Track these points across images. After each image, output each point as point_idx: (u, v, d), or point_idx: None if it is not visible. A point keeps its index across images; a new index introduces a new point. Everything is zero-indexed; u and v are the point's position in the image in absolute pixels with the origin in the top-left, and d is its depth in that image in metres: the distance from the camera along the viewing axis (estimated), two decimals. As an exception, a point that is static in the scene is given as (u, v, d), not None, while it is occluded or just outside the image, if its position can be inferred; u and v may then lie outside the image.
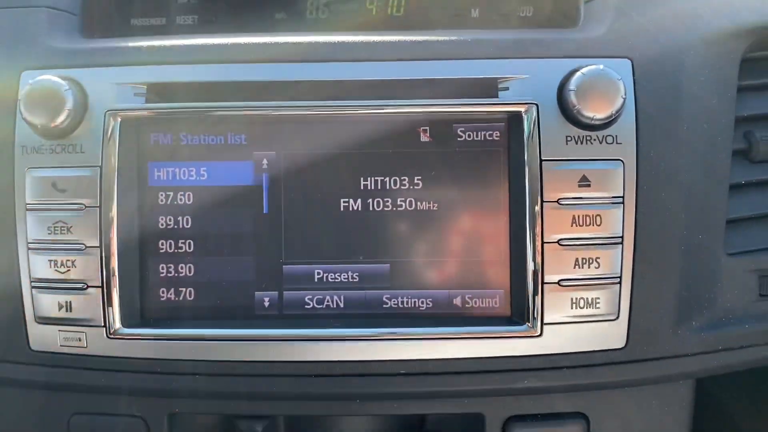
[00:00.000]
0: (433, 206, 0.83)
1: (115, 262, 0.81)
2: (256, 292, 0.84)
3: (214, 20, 0.99)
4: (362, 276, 0.84)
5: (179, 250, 0.84)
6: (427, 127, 0.83)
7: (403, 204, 0.83)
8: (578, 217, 0.79)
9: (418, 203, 0.83)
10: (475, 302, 0.83)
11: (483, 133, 0.83)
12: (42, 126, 0.80)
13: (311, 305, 0.84)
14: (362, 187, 0.83)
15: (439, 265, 0.83)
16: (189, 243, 0.84)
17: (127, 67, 0.84)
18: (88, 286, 0.81)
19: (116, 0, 0.96)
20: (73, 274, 0.81)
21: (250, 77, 0.83)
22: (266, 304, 0.84)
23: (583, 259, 0.79)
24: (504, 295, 0.83)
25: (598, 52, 0.82)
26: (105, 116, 0.81)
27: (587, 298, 0.80)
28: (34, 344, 0.83)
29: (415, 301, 0.84)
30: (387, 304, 0.84)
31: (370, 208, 0.83)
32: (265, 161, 0.84)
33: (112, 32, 0.93)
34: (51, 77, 0.80)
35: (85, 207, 0.81)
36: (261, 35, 0.86)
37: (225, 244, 0.84)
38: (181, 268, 0.84)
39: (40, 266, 0.82)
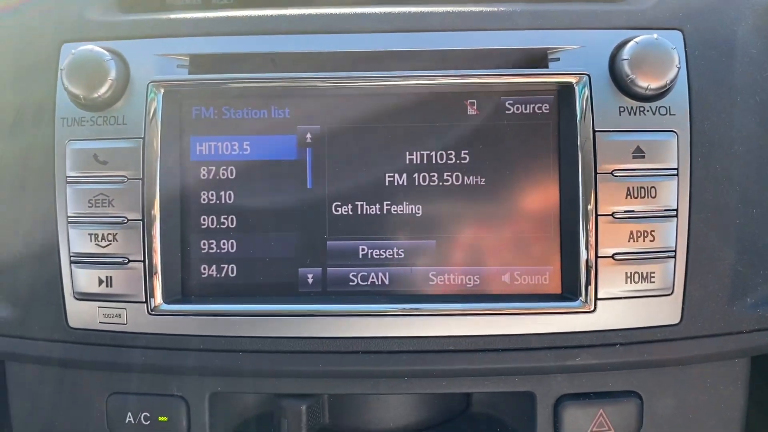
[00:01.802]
0: (481, 181, 0.82)
1: (157, 236, 0.79)
2: (300, 269, 0.82)
3: None
4: (408, 252, 0.82)
5: (221, 226, 0.82)
6: (475, 100, 0.82)
7: (450, 179, 0.82)
8: (633, 189, 0.78)
9: (465, 178, 0.82)
10: (524, 279, 0.81)
11: (532, 105, 0.81)
12: (84, 97, 0.78)
13: (356, 282, 0.82)
14: (408, 162, 0.82)
15: (487, 241, 0.81)
16: (231, 218, 0.82)
17: (168, 39, 0.83)
18: (129, 261, 0.79)
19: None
20: (114, 249, 0.80)
21: (293, 48, 0.81)
22: (310, 280, 0.82)
23: (638, 232, 0.78)
24: (553, 272, 0.81)
25: (649, 23, 0.81)
26: (148, 88, 0.80)
27: (642, 273, 0.78)
28: (73, 321, 0.81)
29: (462, 278, 0.82)
30: (433, 281, 0.82)
31: (416, 183, 0.82)
32: (308, 135, 0.82)
33: (147, 9, 0.91)
34: (93, 47, 0.79)
35: (127, 179, 0.79)
36: (303, 7, 0.84)
37: (268, 219, 0.82)
38: (223, 244, 0.82)
39: (79, 240, 0.80)
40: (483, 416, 0.90)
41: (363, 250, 0.82)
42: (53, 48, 0.83)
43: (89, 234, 0.80)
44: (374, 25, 0.82)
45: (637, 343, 0.79)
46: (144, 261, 0.79)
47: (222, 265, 0.82)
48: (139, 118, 0.80)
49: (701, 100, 0.79)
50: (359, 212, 0.82)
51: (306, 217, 0.82)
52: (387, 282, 0.82)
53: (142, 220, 0.79)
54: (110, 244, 0.80)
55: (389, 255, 0.82)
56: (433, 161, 0.82)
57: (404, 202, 0.82)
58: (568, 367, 0.80)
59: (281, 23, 0.82)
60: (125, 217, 0.79)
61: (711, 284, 0.79)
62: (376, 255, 0.82)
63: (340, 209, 0.82)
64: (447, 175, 0.82)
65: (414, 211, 0.82)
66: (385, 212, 0.82)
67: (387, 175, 0.82)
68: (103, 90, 0.78)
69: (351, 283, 0.82)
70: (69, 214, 0.80)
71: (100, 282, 0.80)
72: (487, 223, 0.81)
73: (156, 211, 0.79)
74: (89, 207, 0.80)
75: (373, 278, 0.82)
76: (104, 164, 0.80)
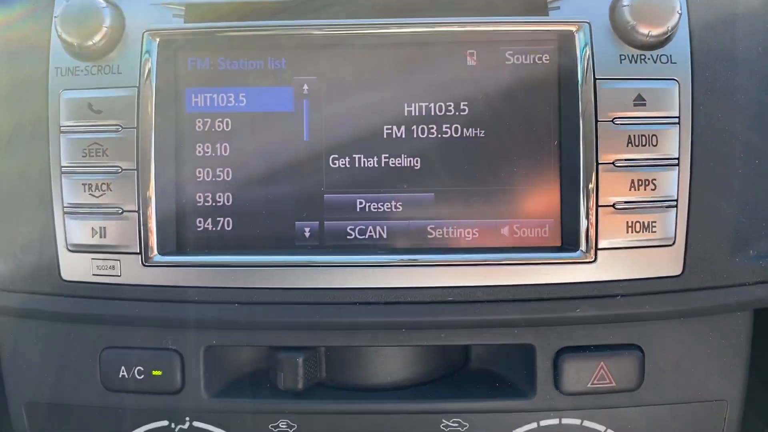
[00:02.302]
0: (480, 133, 0.81)
1: (152, 185, 0.78)
2: (297, 222, 0.81)
3: None
4: (406, 205, 0.81)
5: (217, 179, 0.81)
6: (474, 51, 0.81)
7: (449, 131, 0.81)
8: (633, 137, 0.77)
9: (464, 130, 0.81)
10: (524, 232, 0.80)
11: (532, 56, 0.80)
12: (78, 45, 0.77)
13: (353, 236, 0.81)
14: (406, 114, 0.81)
15: (486, 194, 0.80)
16: (227, 171, 0.81)
17: None
18: (123, 211, 0.78)
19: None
20: (108, 199, 0.79)
21: None
22: (307, 234, 0.81)
23: (638, 181, 0.77)
24: (554, 224, 0.80)
25: None
26: (143, 37, 0.79)
27: (643, 222, 0.77)
28: (66, 274, 0.80)
29: (460, 231, 0.81)
30: (431, 234, 0.81)
31: (415, 135, 0.81)
32: (305, 86, 0.81)
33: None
34: None
35: (122, 128, 0.78)
36: None
37: (264, 172, 0.81)
38: (219, 197, 0.81)
39: (73, 191, 0.79)
40: (481, 371, 0.89)
41: (361, 203, 0.81)
42: None
43: (83, 184, 0.79)
44: None
45: (639, 294, 0.78)
46: (138, 211, 0.78)
47: (218, 218, 0.81)
48: (134, 68, 0.79)
49: (703, 48, 0.78)
50: (357, 165, 0.81)
51: (303, 170, 0.81)
52: (385, 235, 0.81)
53: (137, 169, 0.78)
54: (104, 194, 0.79)
55: (387, 208, 0.81)
56: (432, 113, 0.81)
57: (402, 155, 0.81)
58: (569, 319, 0.79)
59: None
60: (119, 167, 0.78)
61: (713, 235, 0.78)
62: (374, 208, 0.81)
63: (337, 162, 0.81)
64: (446, 127, 0.81)
65: (412, 164, 0.81)
66: (383, 165, 0.81)
67: (385, 127, 0.81)
68: (97, 38, 0.77)
69: (348, 237, 0.81)
70: (63, 165, 0.79)
71: (94, 233, 0.79)
72: (486, 175, 0.80)
73: (150, 160, 0.78)
74: (83, 157, 0.79)
75: (370, 232, 0.81)
76: (98, 113, 0.79)
